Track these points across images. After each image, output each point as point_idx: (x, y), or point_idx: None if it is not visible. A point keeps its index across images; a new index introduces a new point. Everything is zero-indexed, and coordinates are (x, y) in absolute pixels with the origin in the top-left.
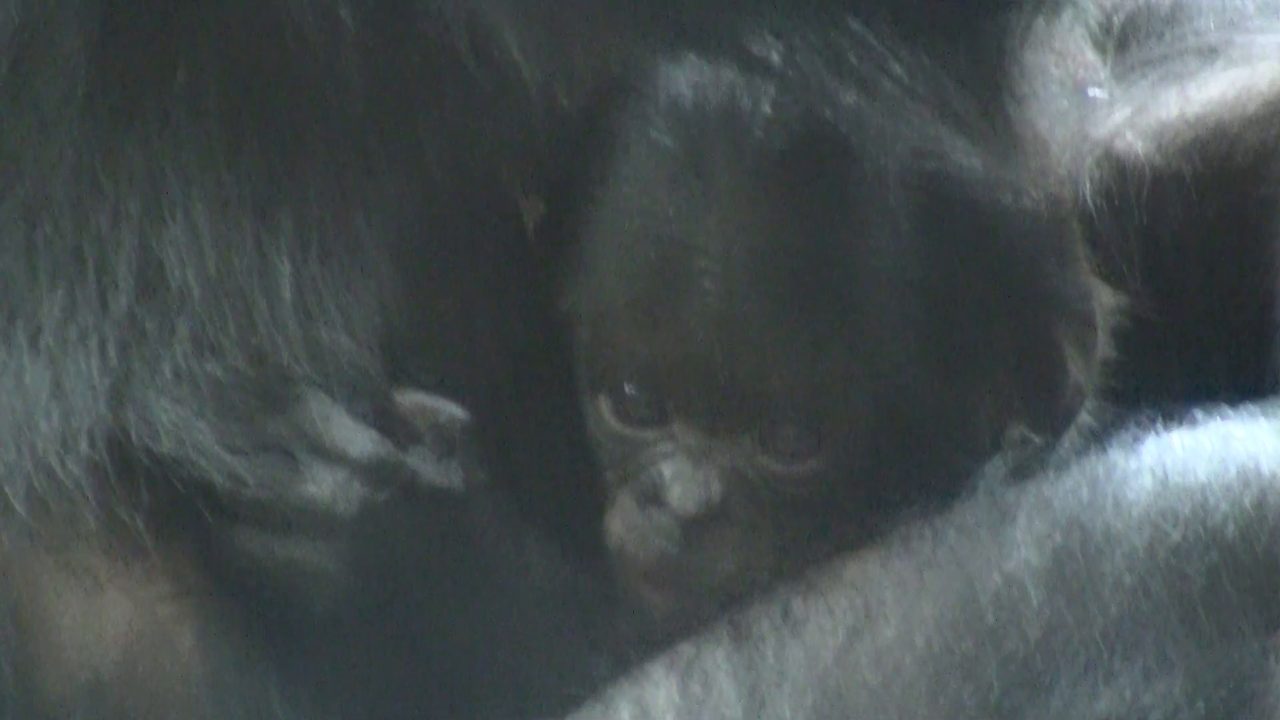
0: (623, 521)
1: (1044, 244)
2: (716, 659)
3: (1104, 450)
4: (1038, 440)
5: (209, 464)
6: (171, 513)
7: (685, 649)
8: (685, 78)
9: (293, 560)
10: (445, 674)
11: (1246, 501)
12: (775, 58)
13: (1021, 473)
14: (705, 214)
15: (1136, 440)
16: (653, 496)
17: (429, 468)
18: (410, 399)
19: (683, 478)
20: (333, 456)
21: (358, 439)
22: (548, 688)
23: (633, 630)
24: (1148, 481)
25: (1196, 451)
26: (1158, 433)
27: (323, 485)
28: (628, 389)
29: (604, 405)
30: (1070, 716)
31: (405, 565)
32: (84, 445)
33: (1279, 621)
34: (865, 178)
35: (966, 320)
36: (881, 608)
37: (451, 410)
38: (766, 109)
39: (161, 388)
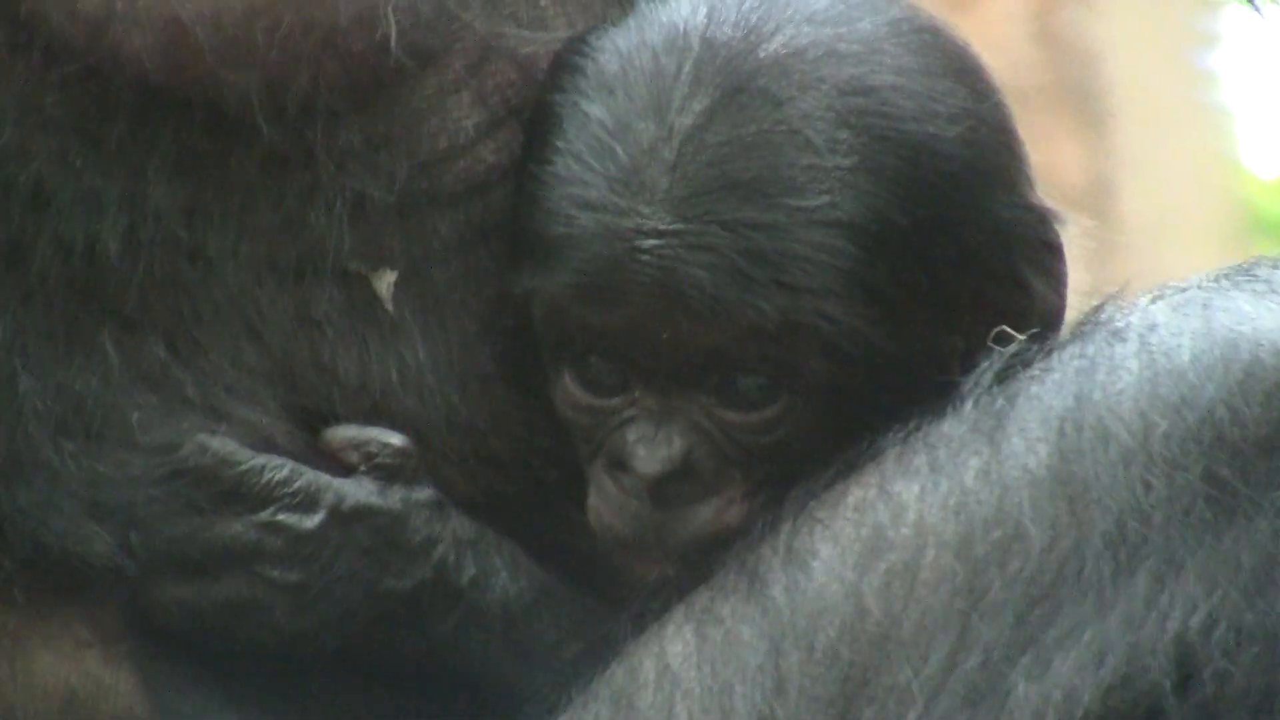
0: (598, 495)
1: (986, 175)
2: (731, 604)
3: (1088, 338)
4: (1022, 340)
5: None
6: (83, 568)
7: (699, 598)
8: (612, 48)
9: (226, 600)
10: (416, 690)
11: (1232, 378)
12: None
13: (1008, 375)
14: (638, 182)
15: (1120, 323)
16: (620, 463)
17: (363, 491)
18: (341, 434)
19: (645, 439)
20: (251, 496)
21: (277, 474)
22: (530, 684)
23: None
24: (1135, 368)
25: (1180, 329)
26: (1140, 311)
27: (242, 523)
28: (590, 360)
29: (569, 379)
30: (1084, 634)
31: (354, 587)
32: None
33: None
34: (794, 123)
35: (911, 259)
36: (882, 533)
37: (387, 438)
38: (689, 70)
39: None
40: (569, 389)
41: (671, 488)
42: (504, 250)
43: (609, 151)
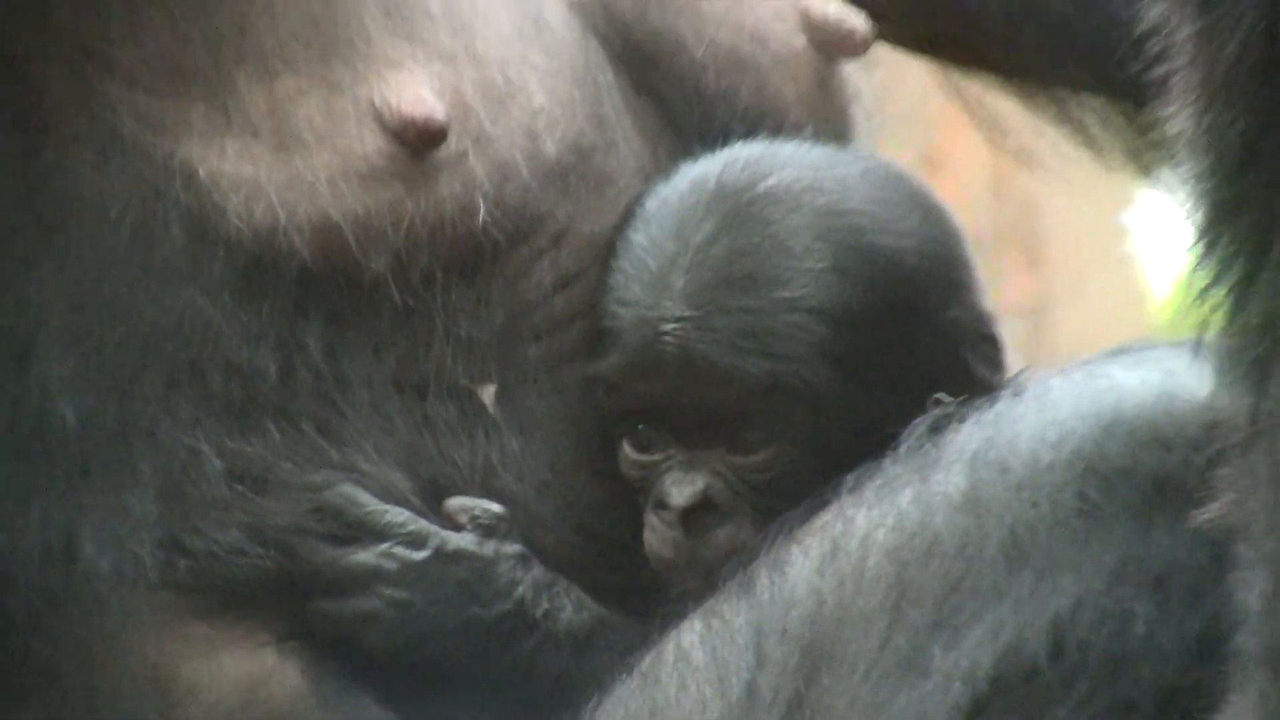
0: (648, 530)
1: (934, 279)
2: (730, 601)
3: (999, 398)
4: (953, 403)
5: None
6: (262, 587)
7: (708, 601)
8: (655, 194)
9: (355, 613)
10: (510, 695)
11: (1100, 423)
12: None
13: (939, 427)
14: (662, 284)
15: (1024, 388)
16: (661, 503)
17: (464, 540)
18: (456, 501)
19: (678, 482)
20: (374, 532)
21: (395, 518)
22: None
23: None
24: (1029, 418)
25: (1065, 390)
26: (1039, 379)
27: (367, 552)
28: (638, 427)
29: (625, 445)
30: (986, 615)
31: (449, 610)
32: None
33: (1148, 514)
34: (780, 237)
35: (870, 339)
36: (838, 545)
37: (488, 506)
38: (704, 202)
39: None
40: (626, 452)
41: (697, 518)
42: (587, 351)
43: (644, 264)
